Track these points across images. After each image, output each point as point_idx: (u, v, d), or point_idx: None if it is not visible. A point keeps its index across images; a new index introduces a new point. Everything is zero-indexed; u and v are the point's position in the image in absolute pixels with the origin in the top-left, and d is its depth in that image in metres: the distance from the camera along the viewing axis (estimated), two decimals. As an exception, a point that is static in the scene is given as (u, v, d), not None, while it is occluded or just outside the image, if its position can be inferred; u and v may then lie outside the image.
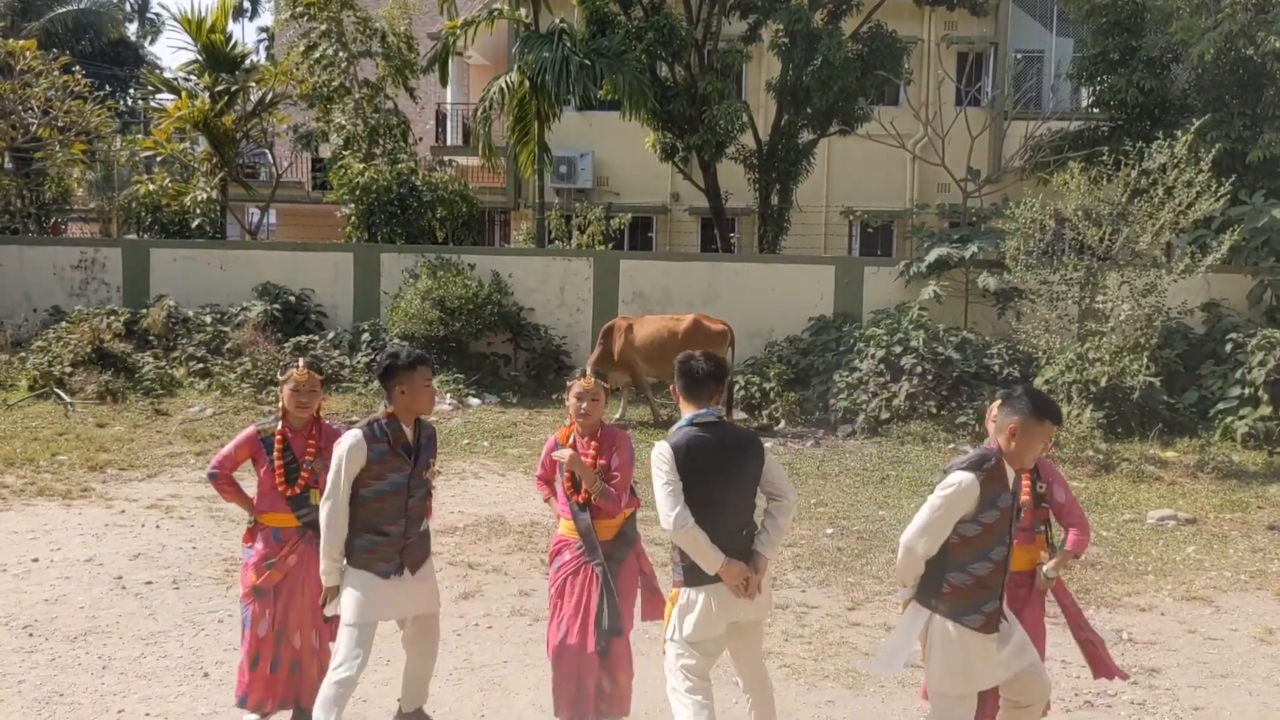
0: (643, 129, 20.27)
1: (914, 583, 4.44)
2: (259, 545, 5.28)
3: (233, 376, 14.86)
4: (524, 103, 19.73)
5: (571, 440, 5.26)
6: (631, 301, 16.94)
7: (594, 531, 5.11)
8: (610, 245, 20.87)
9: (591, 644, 5.01)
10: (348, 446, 4.84)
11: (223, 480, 5.36)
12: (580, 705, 5.08)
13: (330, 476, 4.87)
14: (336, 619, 5.01)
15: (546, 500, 5.52)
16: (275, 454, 5.25)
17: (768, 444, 5.54)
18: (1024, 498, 4.82)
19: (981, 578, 4.30)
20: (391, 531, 4.91)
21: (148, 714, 5.59)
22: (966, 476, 4.25)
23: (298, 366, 5.31)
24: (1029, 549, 4.99)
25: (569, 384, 5.32)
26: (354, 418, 13.51)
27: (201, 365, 15.43)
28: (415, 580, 5.01)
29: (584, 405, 5.19)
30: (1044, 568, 5.01)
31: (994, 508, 4.27)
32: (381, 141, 20.37)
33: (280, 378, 5.31)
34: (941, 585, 4.34)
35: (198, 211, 21.30)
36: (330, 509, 4.84)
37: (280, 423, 5.33)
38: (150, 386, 14.61)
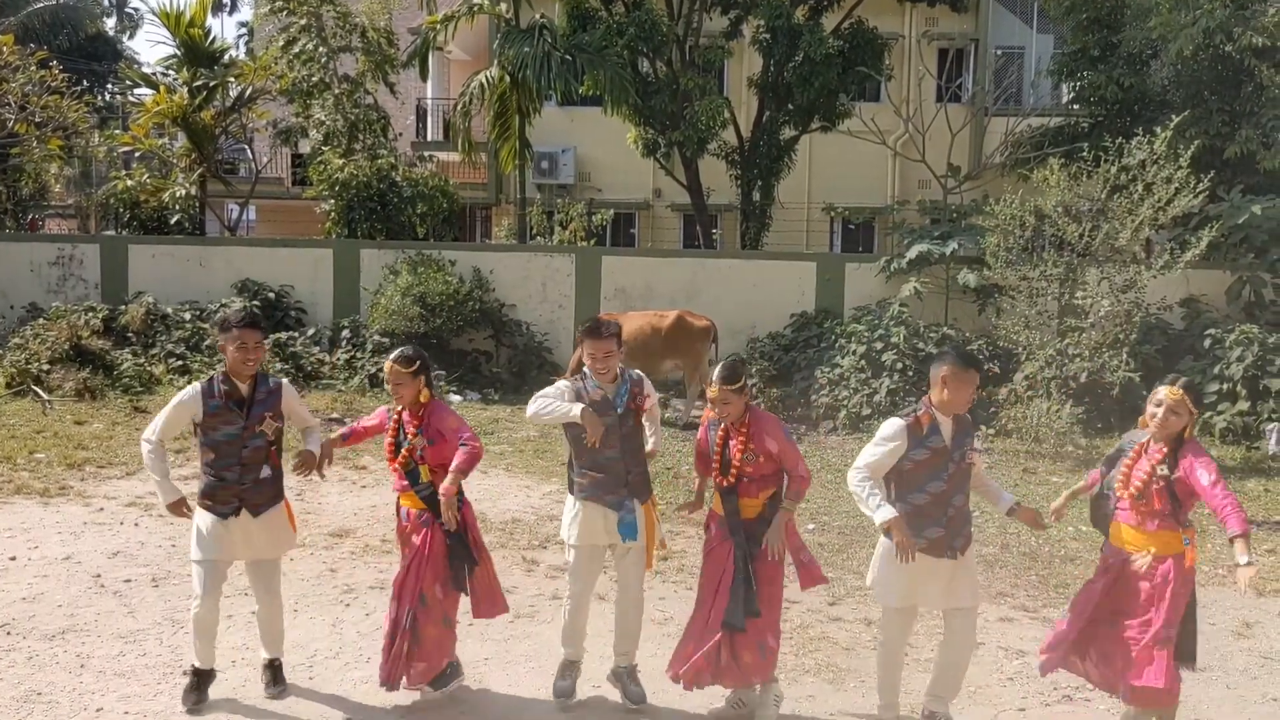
0: (624, 125, 20.24)
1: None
2: (402, 519, 5.66)
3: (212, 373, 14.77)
4: (505, 98, 19.69)
5: (722, 429, 5.47)
6: (614, 298, 16.92)
7: (739, 512, 5.41)
8: (592, 241, 20.85)
9: (719, 619, 5.32)
10: (178, 398, 5.52)
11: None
12: (704, 664, 5.37)
13: (157, 418, 5.56)
14: (482, 595, 5.72)
15: (702, 478, 5.73)
16: (392, 428, 5.63)
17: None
18: (1145, 475, 4.99)
19: (920, 506, 5.17)
20: (228, 476, 5.48)
21: (126, 712, 5.55)
22: (894, 419, 5.26)
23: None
24: (1141, 533, 5.04)
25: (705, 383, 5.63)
26: (333, 414, 13.45)
27: (180, 362, 15.34)
28: (256, 524, 5.54)
29: (718, 410, 5.45)
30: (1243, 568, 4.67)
31: (924, 447, 5.15)
32: (361, 137, 20.31)
33: None
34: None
35: (176, 207, 21.18)
36: (149, 449, 5.50)
37: (399, 404, 5.60)
38: (129, 384, 14.52)
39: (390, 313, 15.75)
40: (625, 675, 5.75)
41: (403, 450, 5.53)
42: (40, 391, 13.85)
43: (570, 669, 5.73)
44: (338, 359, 15.79)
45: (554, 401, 5.44)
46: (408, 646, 5.50)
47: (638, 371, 5.76)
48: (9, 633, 6.51)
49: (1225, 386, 13.41)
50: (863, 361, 14.30)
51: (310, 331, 16.55)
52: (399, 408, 5.62)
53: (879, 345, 14.38)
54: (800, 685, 6.08)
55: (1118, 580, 5.10)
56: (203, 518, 5.53)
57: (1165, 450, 4.97)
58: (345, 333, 16.41)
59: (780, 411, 14.48)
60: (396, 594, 5.53)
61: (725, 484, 5.43)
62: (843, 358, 14.57)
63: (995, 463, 12.11)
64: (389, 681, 5.53)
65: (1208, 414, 13.33)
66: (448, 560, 5.52)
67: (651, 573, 7.92)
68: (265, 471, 5.55)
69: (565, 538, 5.71)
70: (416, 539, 5.53)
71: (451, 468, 5.44)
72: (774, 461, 5.45)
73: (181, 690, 5.64)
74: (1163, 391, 4.99)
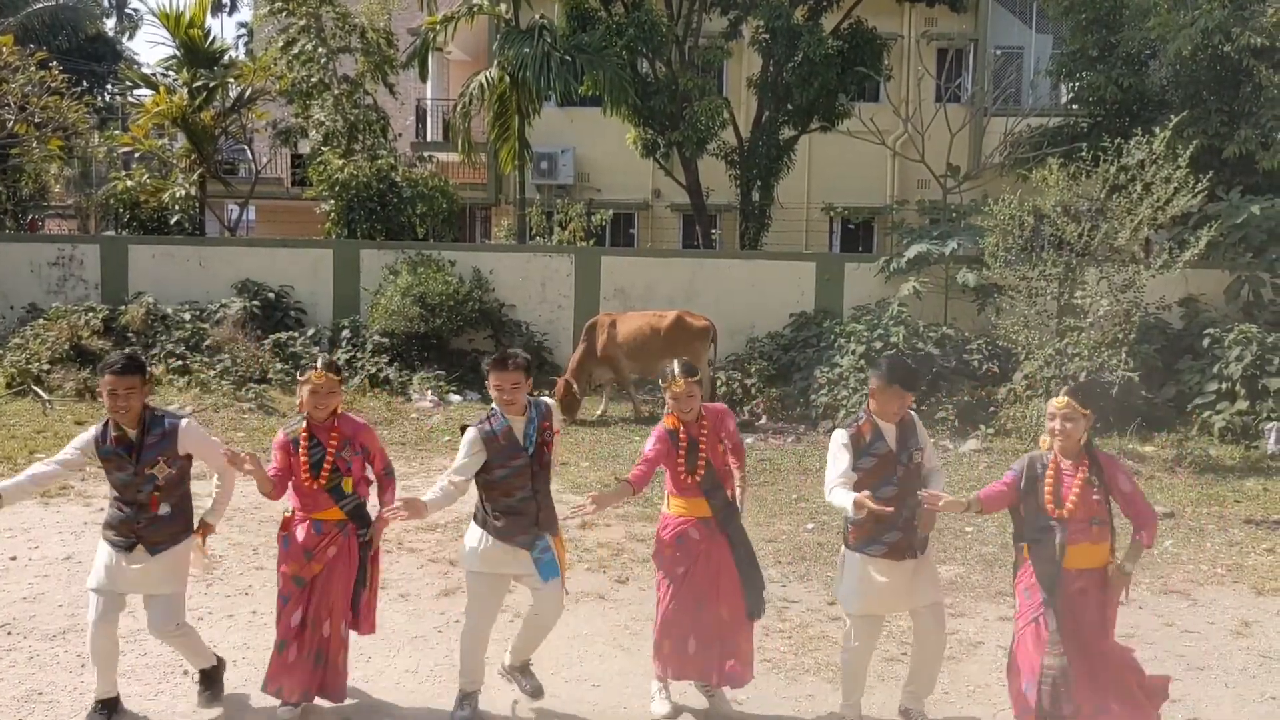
0: (624, 125, 20.25)
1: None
2: (299, 537, 5.43)
3: (212, 374, 14.79)
4: (504, 98, 19.69)
5: (682, 429, 5.57)
6: (613, 298, 16.93)
7: (729, 504, 5.59)
8: (592, 242, 20.87)
9: (738, 610, 5.52)
10: (76, 440, 5.43)
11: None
12: (683, 664, 5.57)
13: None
14: (364, 614, 5.59)
15: (634, 491, 5.51)
16: (301, 450, 5.43)
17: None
18: (1075, 485, 4.95)
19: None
20: (125, 513, 5.35)
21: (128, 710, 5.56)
22: (838, 431, 5.38)
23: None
24: (1096, 546, 4.98)
25: (664, 381, 5.60)
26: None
27: (180, 363, 15.34)
28: (154, 562, 5.35)
29: (681, 405, 5.56)
30: (1121, 561, 5.03)
31: (869, 455, 5.24)
32: (361, 137, 20.31)
33: (303, 379, 5.50)
34: (847, 526, 5.38)
35: (176, 208, 21.18)
36: (46, 463, 5.47)
37: (304, 422, 5.49)
38: (129, 384, 14.50)
39: (390, 313, 15.75)
40: (519, 671, 5.71)
41: (324, 467, 5.40)
42: (40, 391, 13.86)
43: (469, 700, 5.57)
44: (338, 359, 15.78)
45: (443, 494, 5.39)
46: (344, 659, 5.56)
47: (547, 400, 5.73)
48: (10, 632, 6.53)
49: (1224, 386, 13.42)
50: (862, 361, 14.30)
51: (310, 332, 16.55)
52: (300, 426, 5.48)
53: (878, 345, 14.38)
54: (800, 685, 6.09)
55: (1072, 607, 4.96)
56: (102, 547, 5.43)
57: (1086, 462, 5.01)
58: (345, 333, 16.41)
59: (779, 411, 14.50)
60: (327, 612, 5.43)
61: (692, 482, 5.51)
62: (842, 357, 14.58)
63: (995, 462, 12.11)
64: (339, 695, 5.53)
65: (1206, 413, 13.36)
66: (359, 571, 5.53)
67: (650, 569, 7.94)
68: (164, 509, 5.36)
69: (466, 564, 5.63)
70: (333, 550, 5.43)
71: (387, 499, 5.57)
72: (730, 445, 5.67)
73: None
74: (1054, 402, 5.04)
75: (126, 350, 5.30)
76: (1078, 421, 4.99)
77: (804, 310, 16.58)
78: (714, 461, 5.53)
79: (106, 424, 5.38)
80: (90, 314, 16.14)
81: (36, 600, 7.09)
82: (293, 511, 5.50)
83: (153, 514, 5.33)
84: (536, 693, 5.66)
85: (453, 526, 9.08)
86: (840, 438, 5.33)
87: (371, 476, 5.63)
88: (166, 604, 5.41)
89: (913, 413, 5.46)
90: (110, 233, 23.73)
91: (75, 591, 7.27)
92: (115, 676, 5.51)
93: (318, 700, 5.53)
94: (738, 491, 5.65)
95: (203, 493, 5.60)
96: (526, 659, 5.73)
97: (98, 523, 8.86)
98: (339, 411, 5.57)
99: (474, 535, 5.55)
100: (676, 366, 5.57)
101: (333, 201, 19.05)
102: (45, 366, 14.40)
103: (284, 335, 16.10)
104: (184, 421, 5.48)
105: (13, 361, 14.46)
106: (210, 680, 5.66)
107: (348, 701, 5.66)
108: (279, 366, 15.22)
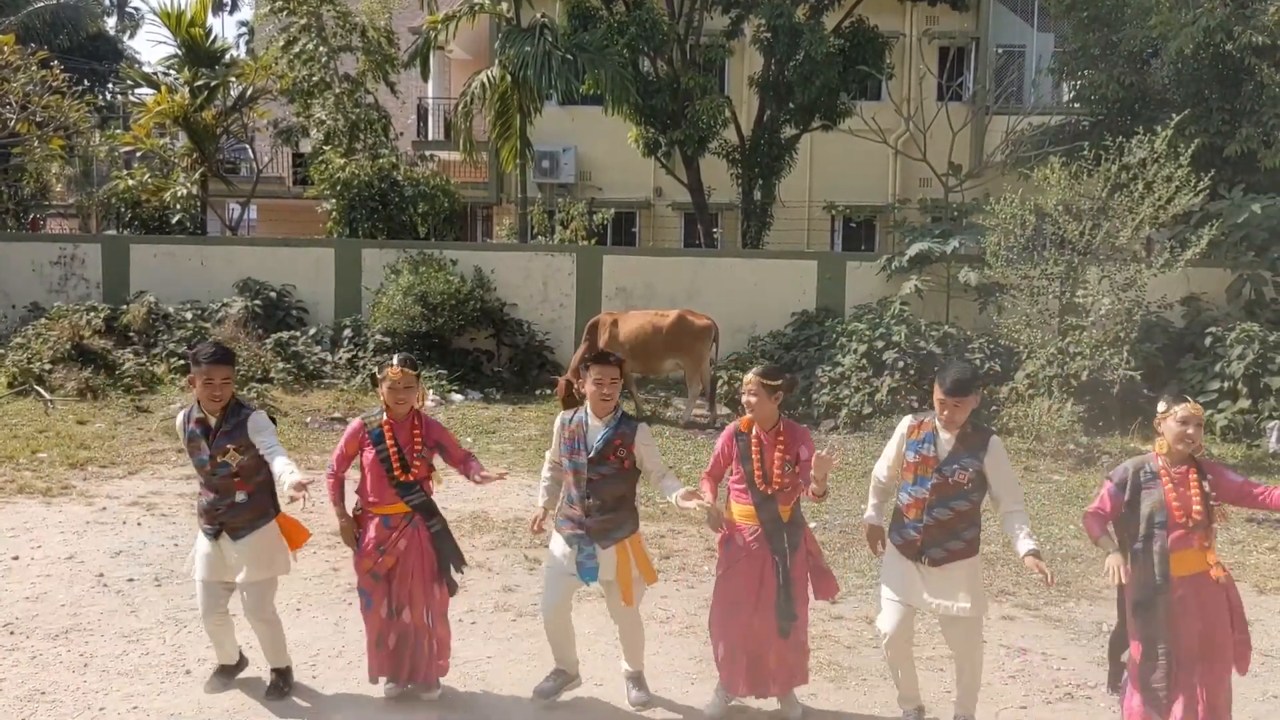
0: (625, 124, 20.26)
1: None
2: (370, 533, 5.57)
3: (214, 373, 14.78)
4: (505, 97, 19.70)
5: (755, 433, 5.56)
6: (615, 297, 16.94)
7: (779, 519, 5.47)
8: (593, 241, 20.89)
9: (771, 625, 5.41)
10: (176, 419, 5.71)
11: (335, 481, 5.71)
12: (758, 675, 5.53)
13: None
14: (445, 596, 5.76)
15: (703, 496, 5.52)
16: (388, 442, 5.55)
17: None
18: (1192, 493, 4.85)
19: (902, 506, 5.33)
20: (209, 498, 5.56)
21: (131, 709, 5.57)
22: (907, 417, 5.49)
23: (392, 365, 5.60)
24: (1198, 551, 4.88)
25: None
26: (335, 414, 13.47)
27: (182, 362, 15.34)
28: (237, 547, 5.54)
29: (753, 400, 5.54)
30: None
31: (916, 451, 5.27)
32: (362, 136, 20.33)
33: (381, 376, 5.63)
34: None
35: (177, 207, 21.20)
36: None
37: (384, 414, 5.60)
38: (130, 383, 14.52)
39: (392, 312, 15.75)
40: (629, 681, 5.81)
41: (412, 463, 5.55)
42: (42, 391, 13.86)
43: (559, 675, 5.78)
44: (340, 358, 15.80)
45: (544, 485, 5.84)
46: (434, 646, 5.68)
47: (642, 424, 5.67)
48: (12, 632, 6.53)
49: (1226, 385, 13.43)
50: (864, 360, 14.31)
51: (312, 331, 16.56)
52: (381, 418, 5.60)
53: (880, 344, 14.39)
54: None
55: (1186, 609, 4.93)
56: (199, 537, 5.67)
57: (1194, 469, 4.92)
58: (347, 332, 16.42)
59: (781, 410, 14.48)
60: (406, 600, 5.59)
61: (767, 492, 5.44)
62: (844, 356, 14.58)
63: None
64: (429, 682, 5.71)
65: (1209, 413, 13.36)
66: (438, 559, 5.67)
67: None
68: (240, 497, 5.51)
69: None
70: (404, 543, 5.57)
71: (475, 466, 5.65)
72: (803, 469, 5.51)
73: (206, 680, 5.83)
74: (1187, 408, 4.87)
75: (214, 339, 5.45)
76: (1201, 427, 4.92)
77: (806, 309, 16.59)
78: (771, 474, 5.46)
79: (190, 408, 5.61)
80: (92, 313, 16.15)
81: (39, 600, 7.09)
82: (361, 509, 5.63)
83: (231, 500, 5.50)
84: (638, 703, 5.72)
85: (454, 526, 9.04)
86: (902, 425, 5.47)
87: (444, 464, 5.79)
88: (258, 591, 5.60)
89: (996, 445, 5.29)
90: (112, 232, 23.75)
91: (78, 591, 7.28)
92: (234, 649, 5.83)
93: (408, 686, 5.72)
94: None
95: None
96: (636, 667, 5.84)
97: (100, 522, 8.94)
98: (419, 407, 5.69)
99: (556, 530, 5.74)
100: (755, 366, 5.65)
101: (334, 201, 19.06)
102: (47, 366, 14.40)
103: (286, 334, 16.10)
104: (256, 410, 5.66)
105: (15, 361, 14.46)
106: (285, 680, 5.78)
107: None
108: (281, 366, 15.22)
